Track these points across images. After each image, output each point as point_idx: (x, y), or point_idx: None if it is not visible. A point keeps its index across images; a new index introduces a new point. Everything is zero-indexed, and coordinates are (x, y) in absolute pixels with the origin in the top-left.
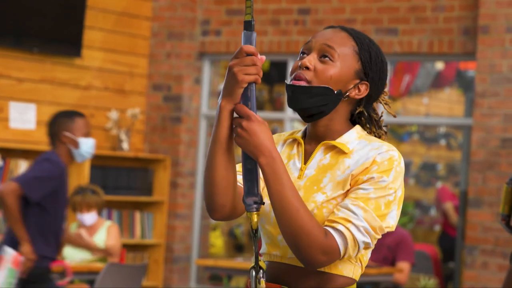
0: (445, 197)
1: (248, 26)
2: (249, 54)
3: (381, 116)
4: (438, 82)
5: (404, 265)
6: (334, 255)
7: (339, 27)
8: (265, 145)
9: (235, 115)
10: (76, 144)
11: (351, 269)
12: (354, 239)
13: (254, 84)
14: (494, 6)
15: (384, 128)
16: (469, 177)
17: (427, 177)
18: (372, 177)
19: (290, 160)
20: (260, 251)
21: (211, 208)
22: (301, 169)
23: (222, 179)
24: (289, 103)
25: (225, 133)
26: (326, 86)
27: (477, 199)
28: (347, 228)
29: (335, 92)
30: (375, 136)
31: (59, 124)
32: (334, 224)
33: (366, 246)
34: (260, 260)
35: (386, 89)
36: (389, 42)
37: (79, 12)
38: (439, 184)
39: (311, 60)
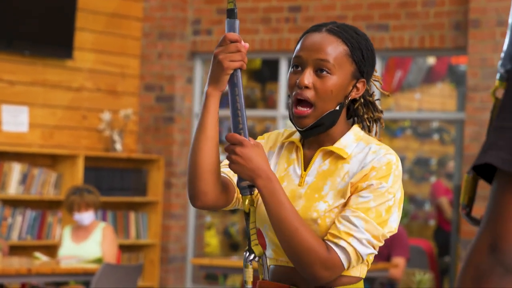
0: (440, 192)
1: (231, 14)
2: (233, 41)
3: (377, 98)
4: (430, 77)
5: (399, 261)
6: (337, 269)
7: (325, 30)
8: (261, 168)
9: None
10: None
11: (358, 269)
12: (357, 253)
13: (239, 70)
14: (484, 0)
15: (380, 109)
16: (463, 171)
17: (420, 172)
18: (371, 184)
19: (290, 166)
20: (266, 253)
21: (193, 195)
22: (301, 176)
23: (206, 165)
24: (303, 136)
25: (212, 119)
26: (331, 110)
27: None
28: (349, 244)
29: (338, 107)
30: (375, 121)
31: None
32: (336, 240)
33: (370, 255)
34: (256, 245)
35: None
36: (380, 38)
37: (69, 14)
38: (433, 179)
39: (309, 78)
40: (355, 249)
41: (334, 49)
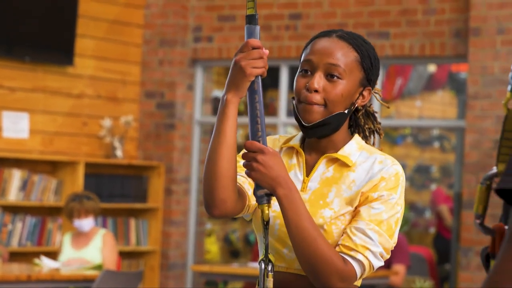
0: (440, 199)
1: (251, 20)
2: (255, 48)
3: (375, 111)
4: (430, 84)
5: (399, 268)
6: (352, 281)
7: (335, 35)
8: (281, 176)
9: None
10: None
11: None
12: (371, 265)
13: (260, 77)
14: (484, 8)
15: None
16: (463, 179)
17: (421, 180)
18: (382, 195)
19: (290, 171)
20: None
21: (211, 204)
22: (303, 182)
23: (225, 172)
24: (306, 134)
25: (231, 126)
26: (339, 112)
27: (471, 201)
28: (366, 257)
29: (346, 112)
30: (375, 132)
31: None
32: (353, 253)
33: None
34: (269, 254)
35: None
36: (381, 46)
37: (70, 20)
38: (433, 187)
39: (319, 81)
40: (370, 262)
41: (345, 55)
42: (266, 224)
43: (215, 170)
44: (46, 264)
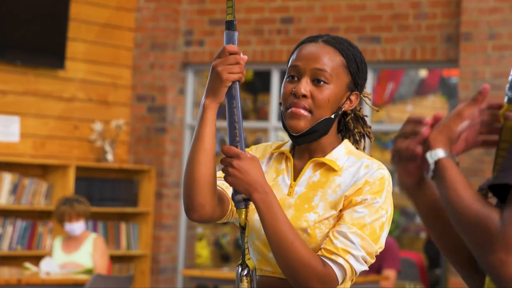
0: None
1: (230, 25)
2: (232, 53)
3: (365, 114)
4: (421, 89)
5: (390, 273)
6: (332, 285)
7: (321, 40)
8: (258, 181)
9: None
10: None
11: (343, 283)
12: (352, 269)
13: (237, 83)
14: (476, 13)
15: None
16: None
17: None
18: (366, 199)
19: (279, 176)
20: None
21: (190, 208)
22: (290, 186)
23: (203, 177)
24: (295, 142)
25: (210, 131)
26: (326, 117)
27: None
28: (346, 260)
29: (333, 116)
30: (364, 136)
31: None
32: (334, 257)
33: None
34: (248, 259)
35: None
36: (372, 50)
37: (62, 24)
38: None
39: (306, 86)
40: (351, 266)
41: (331, 60)
42: (243, 228)
43: (193, 175)
44: (46, 266)
